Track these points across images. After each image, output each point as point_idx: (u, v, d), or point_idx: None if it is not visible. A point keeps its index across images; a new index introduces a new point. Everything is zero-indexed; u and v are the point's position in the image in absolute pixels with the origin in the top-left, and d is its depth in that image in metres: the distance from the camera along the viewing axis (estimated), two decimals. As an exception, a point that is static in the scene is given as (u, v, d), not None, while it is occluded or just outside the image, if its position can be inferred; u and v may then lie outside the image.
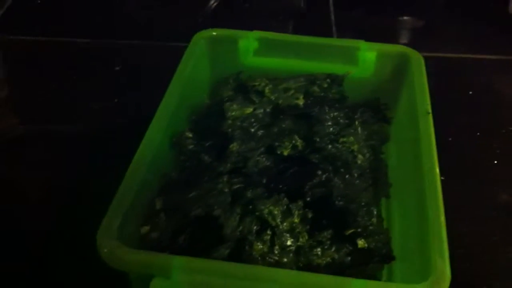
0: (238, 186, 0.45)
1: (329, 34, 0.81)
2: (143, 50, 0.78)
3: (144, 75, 0.73)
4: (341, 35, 0.82)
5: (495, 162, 0.60)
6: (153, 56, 0.77)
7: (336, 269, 0.42)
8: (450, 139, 0.63)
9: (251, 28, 0.57)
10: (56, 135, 0.65)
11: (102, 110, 0.68)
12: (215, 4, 0.88)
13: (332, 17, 0.86)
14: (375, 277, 0.45)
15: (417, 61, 0.53)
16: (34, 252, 0.52)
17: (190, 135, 0.50)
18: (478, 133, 0.64)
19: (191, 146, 0.49)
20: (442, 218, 0.39)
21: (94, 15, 0.86)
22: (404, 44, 0.82)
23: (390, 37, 0.84)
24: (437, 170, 0.42)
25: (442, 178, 0.56)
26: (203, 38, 0.57)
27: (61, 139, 0.65)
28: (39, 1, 0.89)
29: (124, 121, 0.66)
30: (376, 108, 0.56)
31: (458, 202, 0.56)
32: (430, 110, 0.47)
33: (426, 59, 0.53)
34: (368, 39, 0.56)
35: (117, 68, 0.74)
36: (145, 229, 0.43)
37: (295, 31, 0.85)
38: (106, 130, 0.65)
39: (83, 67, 0.76)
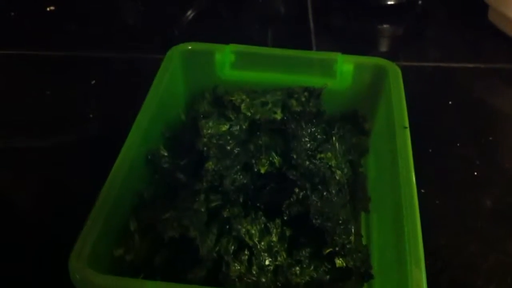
0: (214, 205, 0.44)
1: (307, 43, 0.81)
2: (119, 63, 0.77)
3: (120, 89, 0.72)
4: (320, 43, 0.81)
5: (475, 173, 0.60)
6: (129, 69, 0.76)
7: (315, 287, 0.41)
8: (430, 150, 0.62)
9: (230, 38, 0.57)
10: (27, 151, 0.64)
11: (77, 126, 0.67)
12: (192, 15, 0.87)
13: (311, 26, 0.86)
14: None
15: (395, 74, 0.52)
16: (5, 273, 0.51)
17: (165, 153, 0.49)
18: (458, 144, 0.64)
19: (166, 165, 0.48)
20: (419, 232, 0.39)
21: (69, 28, 0.85)
22: (383, 53, 0.83)
23: (369, 46, 0.83)
24: (414, 185, 0.42)
25: (422, 190, 0.56)
26: (178, 52, 0.56)
27: (32, 155, 0.63)
28: (12, 14, 0.87)
29: (99, 137, 0.64)
30: (354, 120, 0.55)
31: (437, 214, 0.56)
32: (407, 125, 0.46)
33: (406, 68, 0.53)
34: (347, 47, 0.56)
35: (93, 82, 0.73)
36: (118, 251, 0.42)
37: (274, 40, 0.84)
38: (81, 146, 0.64)
39: (58, 81, 0.74)
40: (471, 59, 0.79)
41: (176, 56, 0.56)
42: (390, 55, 0.77)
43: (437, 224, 0.54)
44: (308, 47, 0.80)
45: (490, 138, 0.65)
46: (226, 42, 0.56)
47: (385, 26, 0.88)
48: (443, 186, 0.59)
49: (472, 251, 0.53)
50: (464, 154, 0.63)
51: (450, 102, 0.70)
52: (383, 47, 0.85)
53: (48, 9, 0.88)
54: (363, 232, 0.50)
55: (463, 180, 0.60)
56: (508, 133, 0.67)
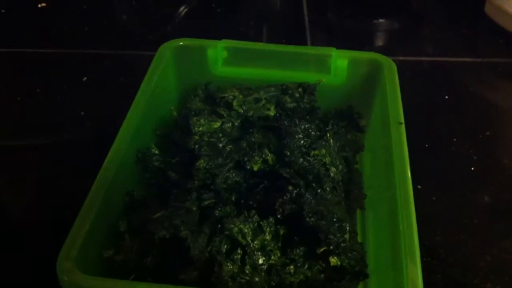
0: (207, 203, 0.43)
1: (302, 38, 0.80)
2: (111, 60, 0.76)
3: (112, 86, 0.71)
4: (315, 40, 0.81)
5: (472, 168, 0.59)
6: (121, 66, 0.75)
7: (310, 286, 0.41)
8: (426, 145, 0.62)
9: (224, 35, 0.56)
10: (16, 150, 0.63)
11: (68, 123, 0.66)
12: (185, 11, 0.86)
13: (306, 21, 0.85)
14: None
15: (390, 69, 0.52)
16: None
17: (156, 151, 0.48)
18: (455, 139, 0.63)
19: (157, 163, 0.48)
20: (414, 228, 0.38)
21: (59, 25, 0.84)
22: (379, 48, 0.82)
23: (365, 41, 0.83)
24: (410, 181, 0.41)
25: (418, 187, 0.56)
26: (169, 48, 0.55)
27: (22, 154, 0.62)
28: (3, 11, 0.86)
29: (90, 135, 0.63)
30: (349, 116, 0.55)
31: (434, 210, 0.55)
32: (402, 121, 0.46)
33: (401, 62, 0.53)
34: (342, 42, 0.55)
35: (84, 79, 0.72)
36: (108, 253, 0.41)
37: (268, 37, 0.83)
38: (71, 144, 0.63)
39: (48, 78, 0.73)
40: (467, 54, 0.78)
41: (167, 53, 0.55)
42: (386, 51, 0.76)
43: (433, 221, 0.53)
44: (303, 44, 0.79)
45: (487, 133, 0.64)
46: (220, 38, 0.55)
47: (380, 21, 0.87)
48: (440, 182, 0.58)
49: (468, 248, 0.52)
50: (461, 149, 0.62)
51: (446, 97, 0.70)
52: (379, 42, 0.84)
53: (39, 5, 0.87)
54: (358, 230, 0.49)
55: (460, 175, 0.59)
56: (505, 128, 0.66)
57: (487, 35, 0.82)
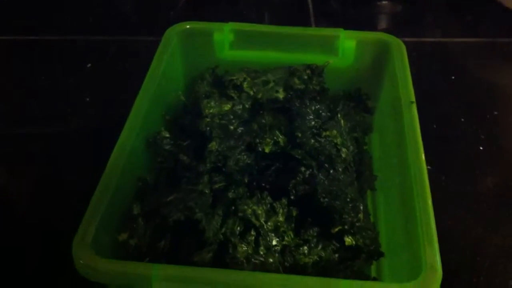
0: (219, 186, 0.43)
1: (307, 23, 0.80)
2: (115, 46, 0.76)
3: (117, 72, 0.70)
4: (319, 23, 0.80)
5: (481, 148, 0.59)
6: (125, 52, 0.75)
7: (324, 267, 0.41)
8: (434, 126, 0.62)
9: (226, 19, 0.55)
10: (23, 138, 0.63)
11: (74, 110, 0.65)
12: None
13: (310, 10, 0.84)
14: (363, 273, 0.43)
15: (398, 49, 0.51)
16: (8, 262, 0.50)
17: (167, 134, 0.48)
18: (463, 119, 0.63)
19: (168, 147, 0.47)
20: (431, 213, 0.38)
21: (61, 12, 0.83)
22: (384, 30, 0.82)
23: (369, 23, 0.82)
24: (424, 163, 0.41)
25: (428, 167, 0.55)
26: (176, 33, 0.55)
27: (29, 142, 0.62)
28: (4, -1, 0.85)
29: (97, 121, 0.63)
30: (357, 98, 0.54)
31: (444, 191, 0.55)
32: (413, 99, 0.45)
33: (406, 44, 0.52)
34: (347, 25, 0.54)
35: (89, 66, 0.72)
36: (122, 236, 0.41)
37: (272, 22, 0.83)
38: (79, 131, 0.62)
39: (52, 66, 0.73)
40: (472, 34, 0.78)
41: (173, 37, 0.54)
42: (390, 32, 0.76)
43: (443, 203, 0.53)
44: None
45: (495, 113, 0.64)
46: (223, 20, 0.55)
47: (384, 2, 0.86)
48: (449, 162, 0.58)
49: (479, 231, 0.52)
50: (469, 129, 0.62)
51: (453, 77, 0.69)
52: (383, 24, 0.84)
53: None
54: (369, 211, 0.49)
55: (469, 156, 0.59)
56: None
57: (492, 15, 0.81)
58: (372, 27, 0.81)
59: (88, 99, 0.66)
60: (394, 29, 0.81)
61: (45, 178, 0.58)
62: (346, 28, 0.54)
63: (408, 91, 0.46)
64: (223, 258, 0.40)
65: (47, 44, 0.76)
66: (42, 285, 0.48)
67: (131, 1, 0.88)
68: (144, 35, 0.76)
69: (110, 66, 0.72)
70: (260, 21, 0.83)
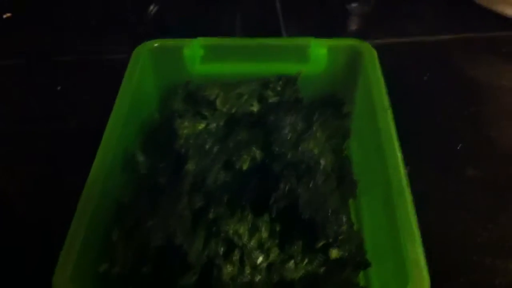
0: (198, 206, 0.42)
1: (276, 28, 0.79)
2: (84, 66, 0.74)
3: (88, 93, 0.69)
4: (289, 27, 0.80)
5: (460, 145, 0.60)
6: (95, 72, 0.73)
7: (311, 281, 0.40)
8: (412, 127, 0.61)
9: (196, 29, 0.55)
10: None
11: (47, 134, 0.64)
12: (155, 9, 0.84)
13: (279, 10, 0.84)
14: (352, 282, 0.43)
15: (370, 55, 0.51)
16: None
17: (142, 157, 0.47)
18: (442, 117, 0.63)
19: (144, 170, 0.46)
20: (410, 208, 0.38)
21: (28, 34, 0.81)
22: (355, 32, 0.82)
23: (340, 26, 0.82)
24: (401, 164, 0.41)
25: (408, 167, 0.55)
26: (145, 50, 0.54)
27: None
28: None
29: (70, 145, 0.61)
30: (333, 104, 0.54)
31: (424, 191, 0.55)
32: (388, 106, 0.45)
33: (378, 46, 0.52)
34: (317, 30, 0.54)
35: (59, 88, 0.70)
36: (103, 266, 0.40)
37: (242, 28, 0.82)
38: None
39: (21, 89, 0.71)
40: (444, 30, 0.78)
41: (143, 55, 0.53)
42: (363, 34, 0.76)
43: (426, 201, 0.53)
44: (278, 32, 0.78)
45: (472, 109, 0.64)
46: (193, 34, 0.54)
47: (353, 5, 0.86)
48: (429, 162, 0.58)
49: (464, 225, 0.52)
50: (449, 127, 0.62)
51: (427, 76, 0.69)
52: (354, 26, 0.83)
53: (4, 16, 0.84)
54: (353, 217, 0.49)
55: (449, 153, 0.59)
56: (489, 102, 0.66)
57: (462, 10, 0.82)
58: (343, 30, 0.80)
59: (63, 121, 0.65)
60: (366, 31, 0.81)
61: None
62: (316, 28, 0.53)
63: (382, 98, 0.46)
64: (208, 280, 0.39)
65: (14, 66, 0.74)
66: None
67: (97, 21, 0.86)
68: (113, 54, 0.75)
69: (81, 87, 0.71)
70: (229, 26, 0.82)
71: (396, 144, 0.43)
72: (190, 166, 0.43)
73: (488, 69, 0.71)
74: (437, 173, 0.57)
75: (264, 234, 0.41)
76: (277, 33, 0.78)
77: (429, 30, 0.78)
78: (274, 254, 0.40)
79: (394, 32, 0.79)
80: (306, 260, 0.40)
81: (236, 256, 0.39)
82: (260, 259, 0.40)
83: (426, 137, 0.61)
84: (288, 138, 0.45)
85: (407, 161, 0.47)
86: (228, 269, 0.39)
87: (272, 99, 0.50)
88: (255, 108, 0.49)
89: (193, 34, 0.54)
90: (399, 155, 0.42)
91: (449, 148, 0.60)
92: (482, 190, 0.56)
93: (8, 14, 0.85)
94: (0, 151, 0.61)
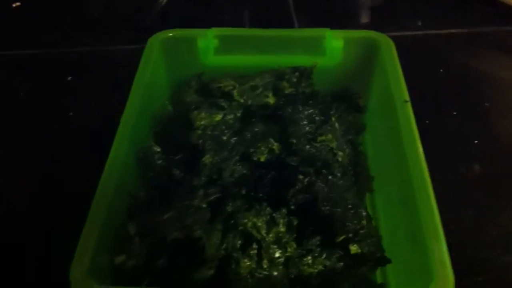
0: (214, 198, 0.42)
1: (288, 20, 0.78)
2: (94, 57, 0.73)
3: (98, 84, 0.68)
4: (301, 19, 0.79)
5: (475, 142, 0.59)
6: (105, 62, 0.72)
7: (329, 276, 0.40)
8: (427, 121, 0.61)
9: (205, 21, 0.54)
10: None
11: (57, 126, 0.63)
12: (164, 1, 0.83)
13: (290, 1, 0.83)
14: (369, 279, 0.43)
15: (387, 46, 0.51)
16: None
17: (158, 149, 0.46)
18: (455, 113, 0.62)
19: (159, 161, 0.46)
20: (434, 205, 0.38)
21: (36, 25, 0.80)
22: (367, 25, 0.81)
23: (352, 18, 0.81)
24: (423, 160, 0.40)
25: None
26: (158, 41, 0.53)
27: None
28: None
29: (82, 137, 0.61)
30: (348, 97, 0.53)
31: (441, 187, 0.54)
32: (407, 98, 0.45)
33: (392, 38, 0.51)
34: (330, 22, 0.53)
35: (69, 79, 0.69)
36: (119, 259, 0.39)
37: (251, 20, 0.81)
38: (63, 147, 0.60)
39: (31, 81, 0.70)
40: (456, 25, 0.77)
41: (156, 45, 0.53)
42: (374, 27, 0.75)
43: (442, 198, 0.53)
44: (290, 24, 0.77)
45: (486, 104, 0.63)
46: (202, 26, 0.54)
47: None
48: (444, 157, 0.57)
49: (477, 224, 0.51)
50: (462, 123, 0.61)
51: (441, 70, 0.69)
52: (365, 19, 0.82)
53: (14, 5, 0.84)
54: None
55: (464, 150, 0.58)
56: (502, 97, 0.65)
57: (475, 4, 0.81)
58: (355, 23, 0.80)
59: (71, 113, 0.64)
60: (377, 23, 0.80)
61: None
62: (328, 22, 0.52)
63: (402, 90, 0.46)
64: (225, 274, 0.39)
65: (24, 57, 0.74)
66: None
67: (107, 11, 0.85)
68: (124, 44, 0.74)
69: (91, 77, 0.70)
70: (239, 18, 0.81)
71: (417, 138, 0.42)
72: (208, 158, 0.42)
73: (497, 63, 0.70)
74: (450, 171, 0.56)
75: (282, 228, 0.40)
76: (289, 25, 0.77)
77: (438, 25, 0.77)
78: (292, 248, 0.40)
79: (405, 25, 0.78)
80: (324, 255, 0.39)
81: (254, 250, 0.39)
82: (278, 253, 0.39)
83: (441, 132, 0.61)
84: (306, 130, 0.44)
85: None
86: (246, 263, 0.38)
87: (288, 91, 0.49)
88: (271, 100, 0.48)
89: (202, 26, 0.54)
90: (420, 150, 0.41)
91: (464, 144, 0.59)
92: (494, 186, 0.55)
93: (18, 3, 0.84)
94: (2, 151, 0.61)
